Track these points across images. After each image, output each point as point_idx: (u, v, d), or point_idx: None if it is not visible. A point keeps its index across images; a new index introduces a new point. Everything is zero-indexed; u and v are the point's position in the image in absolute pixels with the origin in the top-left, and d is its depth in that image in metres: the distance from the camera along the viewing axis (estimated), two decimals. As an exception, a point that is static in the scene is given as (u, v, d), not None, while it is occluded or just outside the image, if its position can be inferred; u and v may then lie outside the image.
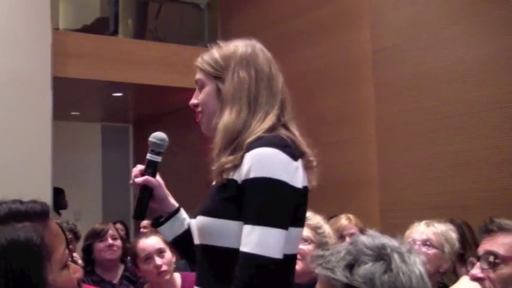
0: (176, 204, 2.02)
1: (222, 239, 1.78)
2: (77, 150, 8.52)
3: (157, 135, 1.96)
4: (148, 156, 1.97)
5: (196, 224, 1.86)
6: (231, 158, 1.79)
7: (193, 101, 1.97)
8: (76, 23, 7.24)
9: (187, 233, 1.98)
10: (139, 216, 1.96)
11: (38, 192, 1.56)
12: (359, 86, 5.39)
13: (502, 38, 4.26)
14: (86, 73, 6.39)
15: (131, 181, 1.97)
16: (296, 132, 1.88)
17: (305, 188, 1.83)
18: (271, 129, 1.82)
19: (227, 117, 1.84)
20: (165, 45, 7.02)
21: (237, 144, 1.81)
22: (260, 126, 1.82)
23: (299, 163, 1.80)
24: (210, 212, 1.81)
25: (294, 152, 1.79)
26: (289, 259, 1.82)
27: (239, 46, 1.93)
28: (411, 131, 4.84)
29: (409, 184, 4.81)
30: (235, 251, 1.74)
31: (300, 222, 1.85)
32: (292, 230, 1.79)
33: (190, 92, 2.03)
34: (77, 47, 6.37)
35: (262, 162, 1.73)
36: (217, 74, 1.91)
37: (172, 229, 2.01)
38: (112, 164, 9.09)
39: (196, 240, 1.89)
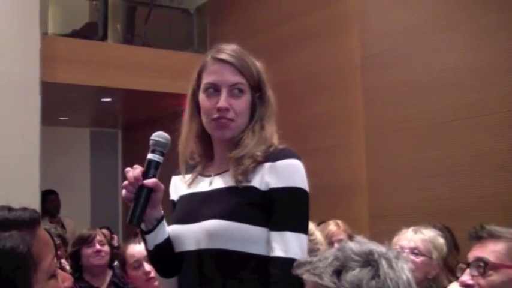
0: (162, 211, 1.93)
1: (243, 243, 1.80)
2: (65, 156, 8.48)
3: (161, 134, 1.85)
4: (151, 156, 1.83)
5: (208, 227, 1.82)
6: (258, 156, 1.85)
7: (226, 104, 1.89)
8: (65, 28, 7.22)
9: (168, 241, 1.92)
10: (137, 221, 1.81)
11: (26, 198, 1.55)
12: (347, 92, 5.40)
13: (489, 45, 4.29)
14: (74, 78, 6.36)
15: (126, 182, 1.81)
16: None
17: None
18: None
19: (269, 131, 1.93)
20: (154, 51, 7.01)
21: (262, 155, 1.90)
22: (274, 138, 1.93)
23: None
24: (231, 216, 1.81)
25: None
26: None
27: (257, 62, 1.98)
28: (399, 137, 4.85)
29: (398, 190, 4.83)
30: (256, 257, 1.79)
31: None
32: None
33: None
34: (66, 52, 6.35)
35: (292, 173, 1.84)
36: (255, 85, 1.94)
37: (156, 237, 1.91)
38: (100, 169, 9.05)
39: (197, 245, 1.85)
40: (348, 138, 5.37)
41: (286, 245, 1.78)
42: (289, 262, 1.73)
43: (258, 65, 1.97)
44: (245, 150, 1.87)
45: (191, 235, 1.87)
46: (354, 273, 1.23)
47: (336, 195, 5.35)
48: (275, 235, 1.80)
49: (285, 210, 1.82)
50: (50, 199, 6.92)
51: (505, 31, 4.21)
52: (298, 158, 1.87)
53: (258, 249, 1.80)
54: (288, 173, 1.83)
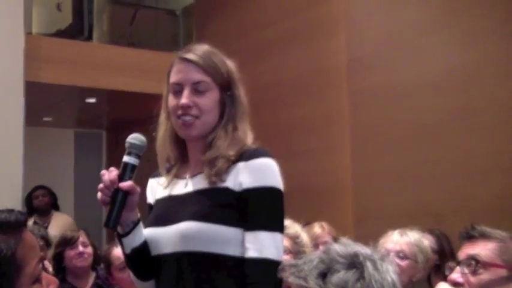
0: (138, 214, 1.92)
1: (217, 245, 1.78)
2: (49, 157, 8.41)
3: (137, 137, 1.85)
4: (127, 159, 1.83)
5: (182, 229, 1.81)
6: (231, 155, 1.85)
7: (187, 101, 1.89)
8: (50, 28, 7.18)
9: (145, 244, 1.91)
10: (113, 224, 1.80)
11: (9, 200, 1.53)
12: (333, 94, 5.41)
13: (473, 48, 4.31)
14: (59, 78, 6.32)
15: (101, 185, 1.82)
16: None
17: None
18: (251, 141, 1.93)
19: (242, 131, 1.92)
20: (140, 51, 6.98)
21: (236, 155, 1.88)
22: (249, 138, 1.92)
23: None
24: (204, 217, 1.80)
25: None
26: None
27: (229, 61, 1.97)
28: (385, 139, 4.86)
29: (383, 193, 4.83)
30: (232, 258, 1.78)
31: None
32: None
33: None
34: (51, 52, 6.31)
35: (266, 172, 1.83)
36: (223, 84, 1.92)
37: (134, 240, 1.89)
38: (85, 170, 8.99)
39: (173, 248, 1.84)
40: (333, 141, 5.38)
41: (260, 244, 1.77)
42: (263, 262, 1.75)
43: (230, 64, 1.96)
44: (218, 152, 1.87)
45: (166, 238, 1.86)
46: (339, 276, 1.22)
47: (321, 197, 5.35)
48: (249, 235, 1.79)
49: (258, 209, 1.81)
50: (35, 195, 6.50)
51: (489, 34, 4.24)
52: (271, 157, 1.86)
53: (234, 251, 1.79)
54: (261, 172, 1.82)
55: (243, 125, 1.94)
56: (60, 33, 7.03)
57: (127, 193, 1.81)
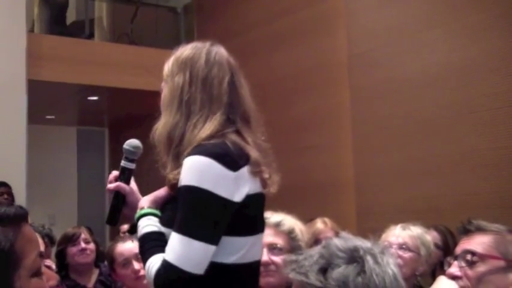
0: None
1: None
2: (52, 154, 8.43)
3: (132, 143, 1.96)
4: (123, 163, 1.97)
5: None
6: (174, 172, 1.77)
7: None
8: (51, 26, 7.18)
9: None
10: (111, 221, 1.96)
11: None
12: (335, 90, 5.41)
13: (474, 43, 4.32)
14: (61, 76, 6.33)
15: (108, 187, 1.96)
16: (249, 139, 1.80)
17: (253, 196, 1.76)
18: (212, 136, 1.75)
19: (160, 123, 1.84)
20: (141, 49, 6.99)
21: (177, 153, 1.78)
22: (198, 135, 1.76)
23: (241, 172, 1.73)
24: (165, 222, 1.81)
25: (235, 161, 1.72)
26: (240, 268, 1.78)
27: (186, 49, 1.88)
28: (386, 135, 4.87)
29: (385, 188, 4.84)
30: None
31: (250, 230, 1.80)
32: (239, 240, 1.76)
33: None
34: (52, 50, 6.32)
35: (192, 171, 1.69)
36: (165, 78, 1.90)
37: None
38: (87, 168, 9.01)
39: None
40: (335, 136, 5.38)
41: (169, 246, 1.69)
42: (165, 265, 1.67)
43: (179, 53, 1.89)
44: (161, 158, 1.85)
45: None
46: (340, 271, 1.22)
47: (324, 193, 5.35)
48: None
49: (179, 210, 1.72)
50: None
51: (488, 31, 4.24)
52: (210, 154, 1.69)
53: None
54: (187, 171, 1.70)
55: (164, 117, 1.82)
56: (61, 32, 7.04)
57: (122, 194, 1.94)
